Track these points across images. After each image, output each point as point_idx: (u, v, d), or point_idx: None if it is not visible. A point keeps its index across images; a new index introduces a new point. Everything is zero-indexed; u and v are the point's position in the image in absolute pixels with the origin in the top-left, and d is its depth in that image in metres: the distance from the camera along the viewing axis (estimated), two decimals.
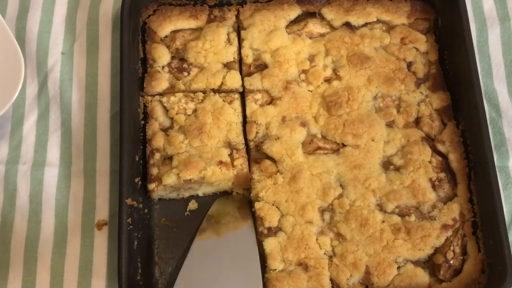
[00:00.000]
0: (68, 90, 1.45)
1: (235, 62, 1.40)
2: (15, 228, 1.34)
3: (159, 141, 1.33)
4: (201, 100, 1.37)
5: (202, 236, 1.29)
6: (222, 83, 1.37)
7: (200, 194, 1.36)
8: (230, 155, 1.32)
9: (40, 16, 1.51)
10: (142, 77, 1.39)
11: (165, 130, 1.35)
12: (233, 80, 1.37)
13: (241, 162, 1.31)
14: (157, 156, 1.32)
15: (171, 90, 1.38)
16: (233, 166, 1.30)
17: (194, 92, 1.37)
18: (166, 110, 1.36)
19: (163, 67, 1.40)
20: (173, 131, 1.34)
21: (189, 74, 1.38)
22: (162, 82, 1.38)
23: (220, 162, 1.30)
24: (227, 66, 1.39)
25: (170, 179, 1.29)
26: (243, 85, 1.38)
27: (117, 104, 1.39)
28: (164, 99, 1.37)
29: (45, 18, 1.51)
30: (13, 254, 1.33)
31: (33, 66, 1.47)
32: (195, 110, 1.35)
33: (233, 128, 1.34)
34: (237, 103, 1.37)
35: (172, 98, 1.36)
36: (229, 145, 1.33)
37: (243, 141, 1.34)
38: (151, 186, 1.30)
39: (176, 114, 1.35)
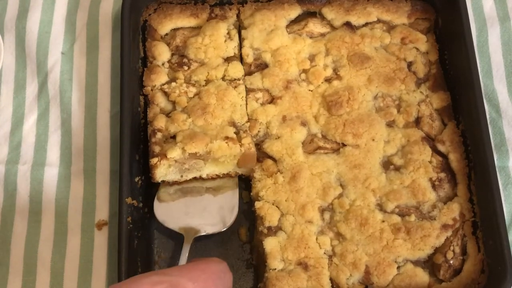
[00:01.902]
0: (68, 90, 1.45)
1: (236, 57, 1.39)
2: (15, 228, 1.34)
3: (160, 121, 1.30)
4: (203, 85, 1.35)
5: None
6: (224, 75, 1.36)
7: (204, 176, 1.33)
8: (237, 134, 1.29)
9: (40, 16, 1.51)
10: (142, 76, 1.38)
11: (166, 114, 1.33)
12: (235, 69, 1.36)
13: (248, 141, 1.28)
14: (159, 135, 1.29)
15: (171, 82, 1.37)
16: (240, 144, 1.28)
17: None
18: (167, 96, 1.34)
19: (163, 63, 1.39)
20: (175, 112, 1.32)
21: (189, 68, 1.38)
22: (161, 75, 1.36)
23: (227, 138, 1.27)
24: (228, 60, 1.38)
25: (175, 152, 1.25)
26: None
27: (117, 104, 1.39)
28: (165, 86, 1.35)
29: (45, 18, 1.51)
30: (13, 254, 1.32)
31: (33, 66, 1.47)
32: (197, 93, 1.33)
33: (237, 109, 1.32)
34: (241, 88, 1.35)
35: (173, 84, 1.35)
36: (234, 125, 1.31)
37: (248, 123, 1.32)
38: (154, 160, 1.26)
39: (178, 96, 1.33)
